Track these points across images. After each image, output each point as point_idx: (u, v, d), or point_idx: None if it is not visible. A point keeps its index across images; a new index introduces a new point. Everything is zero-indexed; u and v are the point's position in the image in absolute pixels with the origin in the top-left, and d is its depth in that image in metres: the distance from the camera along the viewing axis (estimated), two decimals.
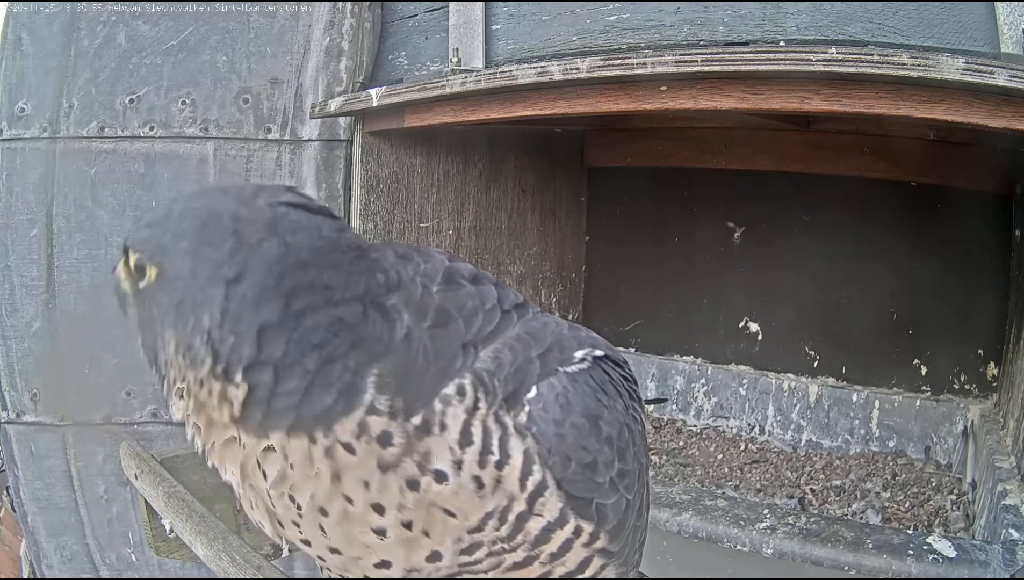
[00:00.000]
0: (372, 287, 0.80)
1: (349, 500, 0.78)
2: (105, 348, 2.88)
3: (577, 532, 0.86)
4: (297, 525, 0.82)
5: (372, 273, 0.81)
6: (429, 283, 0.85)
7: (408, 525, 0.79)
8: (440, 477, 0.79)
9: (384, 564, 0.83)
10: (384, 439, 0.77)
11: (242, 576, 1.19)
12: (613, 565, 0.92)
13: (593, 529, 0.87)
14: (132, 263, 0.81)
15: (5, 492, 3.65)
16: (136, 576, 3.03)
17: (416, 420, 0.78)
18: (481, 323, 0.86)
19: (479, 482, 0.80)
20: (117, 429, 2.90)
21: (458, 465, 0.79)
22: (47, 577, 3.04)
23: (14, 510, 3.31)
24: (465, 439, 0.79)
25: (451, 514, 0.80)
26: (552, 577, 0.88)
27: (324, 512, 0.79)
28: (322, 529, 0.81)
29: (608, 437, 0.89)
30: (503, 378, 0.83)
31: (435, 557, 0.82)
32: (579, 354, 0.92)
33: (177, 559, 1.60)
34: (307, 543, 0.84)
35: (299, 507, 0.80)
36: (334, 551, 0.83)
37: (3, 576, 3.61)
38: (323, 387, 0.76)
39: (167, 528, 1.48)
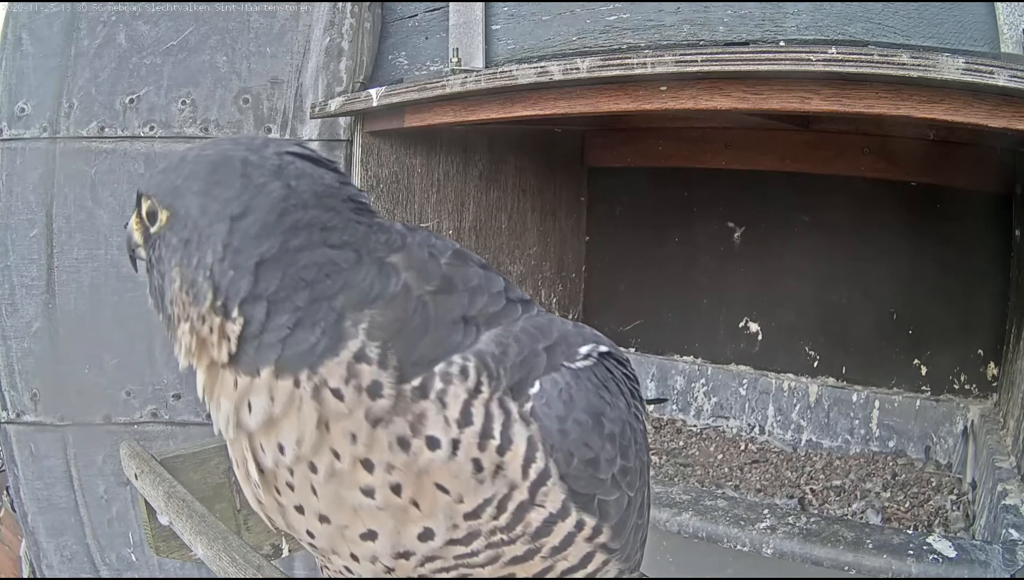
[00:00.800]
0: (371, 240, 0.83)
1: (337, 455, 0.78)
2: (105, 348, 2.88)
3: (579, 526, 0.85)
4: (291, 487, 0.81)
5: (373, 228, 0.85)
6: (438, 254, 0.86)
7: (397, 489, 0.78)
8: (433, 444, 0.78)
9: (371, 535, 0.81)
10: (374, 390, 0.77)
11: (242, 576, 1.19)
12: (615, 562, 0.92)
13: (596, 524, 0.87)
14: (144, 209, 0.86)
15: (5, 492, 3.65)
16: (136, 576, 3.03)
17: (415, 382, 0.79)
18: (486, 302, 0.87)
19: (478, 465, 0.79)
20: (117, 429, 2.90)
21: (455, 443, 0.79)
22: (47, 577, 3.04)
23: (14, 510, 3.32)
24: (465, 419, 0.79)
25: (444, 490, 0.79)
26: (552, 576, 0.87)
27: (313, 468, 0.79)
28: (313, 490, 0.80)
29: (611, 434, 0.89)
30: (508, 366, 0.83)
31: (427, 535, 0.80)
32: (584, 350, 0.92)
33: (177, 559, 1.60)
34: (300, 510, 0.83)
35: (290, 467, 0.80)
36: (323, 519, 0.82)
37: (3, 576, 3.61)
38: (309, 326, 0.78)
39: (163, 519, 1.48)
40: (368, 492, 0.79)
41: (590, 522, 0.86)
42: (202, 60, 2.90)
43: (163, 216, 0.84)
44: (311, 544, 0.87)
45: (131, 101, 2.88)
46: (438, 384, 0.79)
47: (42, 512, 3.01)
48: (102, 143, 2.88)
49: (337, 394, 0.77)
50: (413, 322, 0.80)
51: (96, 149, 2.88)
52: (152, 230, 0.86)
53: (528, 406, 0.83)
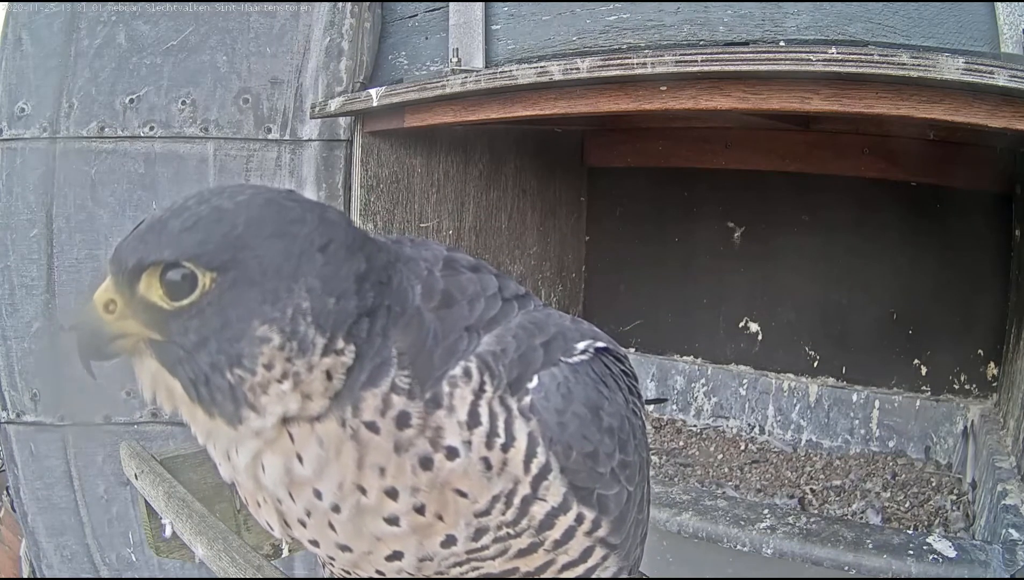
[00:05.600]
0: (384, 257, 0.83)
1: (363, 491, 0.78)
2: None
3: (579, 519, 0.86)
4: (304, 524, 0.81)
5: (378, 245, 0.84)
6: (432, 267, 0.86)
7: (421, 510, 0.79)
8: (452, 453, 0.78)
9: (396, 556, 0.82)
10: (402, 420, 0.77)
11: (242, 576, 1.19)
12: (615, 557, 0.92)
13: (595, 517, 0.87)
14: (163, 280, 0.74)
15: (5, 492, 3.65)
16: (136, 576, 3.03)
17: (428, 395, 0.79)
18: (483, 309, 0.87)
19: (487, 463, 0.80)
20: (117, 429, 2.90)
21: (468, 445, 0.79)
22: (47, 577, 3.04)
23: (14, 510, 3.31)
24: (473, 420, 0.80)
25: (463, 494, 0.80)
26: (554, 569, 0.88)
27: (336, 509, 0.78)
28: (331, 526, 0.80)
29: (609, 428, 0.89)
30: (507, 363, 0.84)
31: (450, 542, 0.81)
32: (581, 345, 0.92)
33: (177, 559, 1.60)
34: (315, 543, 0.83)
35: (308, 510, 0.79)
36: (344, 548, 0.82)
37: (3, 576, 3.61)
38: (379, 350, 0.78)
39: (167, 529, 1.48)
40: (392, 521, 0.79)
41: (589, 515, 0.87)
42: (202, 60, 2.90)
43: (207, 279, 0.73)
44: (330, 559, 0.87)
45: (131, 101, 2.88)
46: (446, 389, 0.80)
47: (42, 512, 3.01)
48: (102, 143, 2.88)
49: (372, 428, 0.77)
50: (428, 344, 0.80)
51: (96, 149, 2.88)
52: (183, 302, 0.74)
53: (527, 400, 0.83)
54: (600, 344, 0.95)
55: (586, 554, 0.88)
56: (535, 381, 0.84)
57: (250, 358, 0.73)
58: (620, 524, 0.91)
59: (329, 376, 0.75)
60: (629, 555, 0.98)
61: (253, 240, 0.74)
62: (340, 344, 0.75)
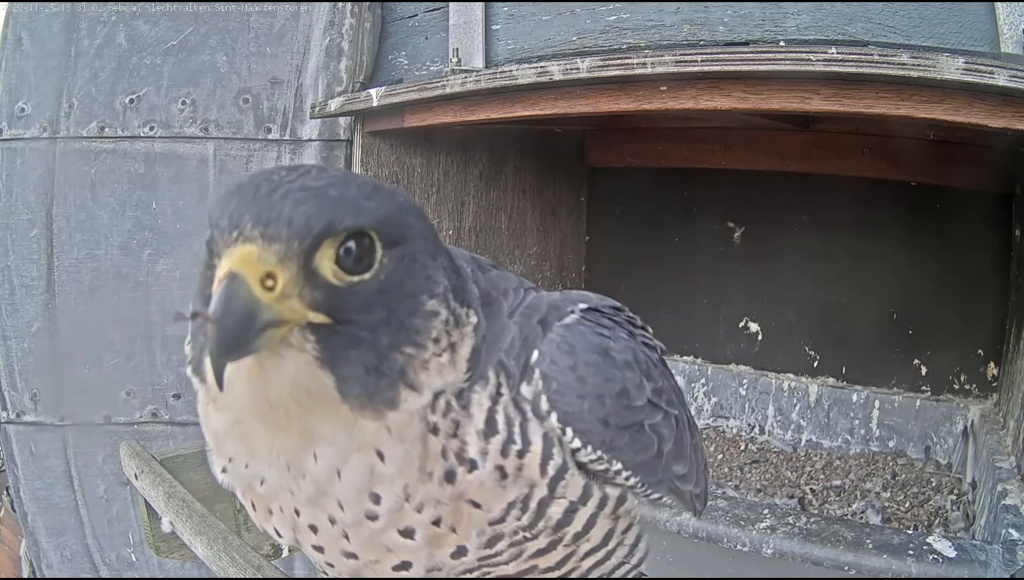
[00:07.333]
0: None
1: (407, 498, 0.74)
2: (105, 348, 2.88)
3: (602, 504, 0.83)
4: (314, 531, 0.77)
5: None
6: (465, 265, 0.85)
7: (438, 522, 0.76)
8: (472, 466, 0.76)
9: (404, 566, 0.79)
10: (453, 427, 0.75)
11: (242, 576, 1.19)
12: (676, 497, 0.93)
13: (659, 446, 0.86)
14: (338, 254, 0.66)
15: (5, 492, 3.65)
16: (136, 576, 3.03)
17: (462, 402, 0.77)
18: (513, 302, 0.87)
19: (502, 472, 0.77)
20: (117, 429, 2.90)
21: (484, 455, 0.76)
22: (47, 577, 3.04)
23: (14, 510, 3.31)
24: (490, 428, 0.77)
25: (476, 505, 0.77)
26: (577, 563, 0.86)
27: (372, 515, 0.74)
28: (345, 535, 0.76)
29: (626, 362, 0.87)
30: (515, 355, 0.82)
31: (460, 553, 0.79)
32: (570, 309, 0.90)
33: (177, 559, 1.60)
34: (319, 549, 0.80)
35: (331, 517, 0.75)
36: (350, 556, 0.79)
37: (3, 576, 3.61)
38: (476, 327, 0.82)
39: (165, 524, 1.48)
40: (408, 533, 0.76)
41: (621, 472, 0.84)
42: (202, 60, 2.90)
43: (380, 253, 0.69)
44: (328, 565, 0.84)
45: (131, 101, 2.88)
46: (466, 394, 0.77)
47: (42, 512, 3.01)
48: (102, 143, 2.88)
49: (435, 430, 0.74)
50: (481, 348, 0.78)
51: (96, 149, 2.88)
52: (365, 276, 0.68)
53: (537, 377, 0.80)
54: (584, 305, 0.92)
55: (607, 537, 0.86)
56: (535, 355, 0.82)
57: (424, 333, 0.71)
58: (680, 449, 0.90)
59: (463, 340, 0.76)
60: (699, 482, 0.98)
61: (411, 219, 0.73)
62: (473, 315, 0.77)
